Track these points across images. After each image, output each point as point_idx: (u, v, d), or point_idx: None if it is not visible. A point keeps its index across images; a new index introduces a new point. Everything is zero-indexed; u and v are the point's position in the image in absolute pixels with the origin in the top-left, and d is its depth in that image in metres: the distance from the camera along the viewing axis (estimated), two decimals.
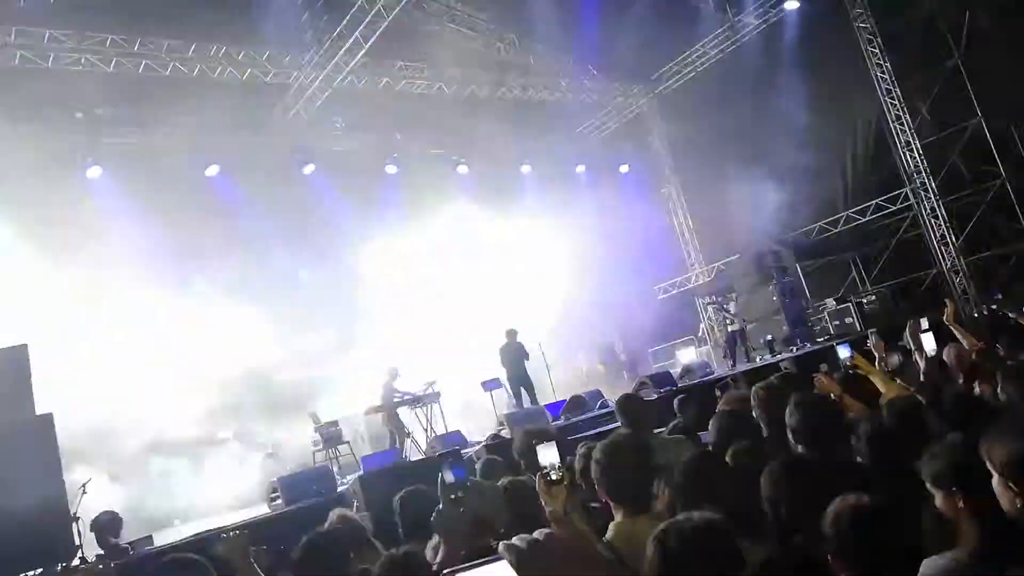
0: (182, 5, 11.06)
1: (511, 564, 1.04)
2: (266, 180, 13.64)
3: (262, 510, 8.15)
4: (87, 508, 7.17)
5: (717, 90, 14.79)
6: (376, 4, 11.53)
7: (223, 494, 11.22)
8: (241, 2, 11.11)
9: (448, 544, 2.24)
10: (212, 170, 12.74)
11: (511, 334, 12.58)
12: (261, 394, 13.34)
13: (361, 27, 11.86)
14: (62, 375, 9.41)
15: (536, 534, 1.08)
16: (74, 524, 6.61)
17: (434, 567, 2.26)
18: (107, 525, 6.91)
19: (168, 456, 11.43)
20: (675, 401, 6.34)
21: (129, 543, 7.02)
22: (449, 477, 2.21)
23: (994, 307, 7.38)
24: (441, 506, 2.24)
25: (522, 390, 12.18)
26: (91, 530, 6.89)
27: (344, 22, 11.83)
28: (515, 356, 12.38)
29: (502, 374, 12.31)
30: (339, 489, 7.82)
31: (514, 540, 1.08)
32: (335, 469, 9.90)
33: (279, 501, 7.63)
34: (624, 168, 17.67)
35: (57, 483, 6.33)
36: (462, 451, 8.82)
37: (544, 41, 13.62)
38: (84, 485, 7.36)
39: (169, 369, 12.29)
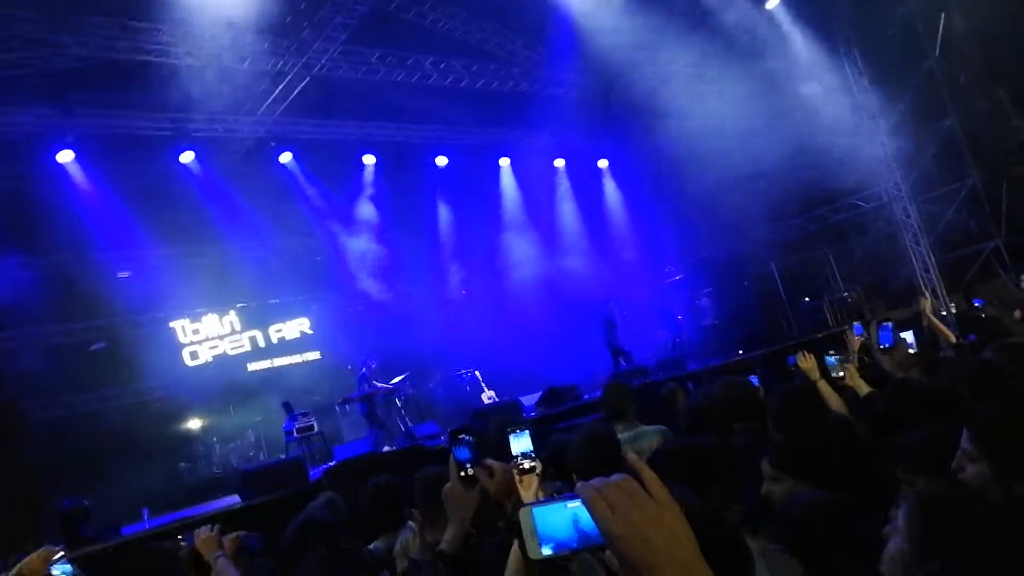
0: None
1: (585, 502, 1.06)
2: (241, 168, 13.52)
3: (233, 501, 8.09)
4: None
5: (694, 85, 14.86)
6: None
7: (193, 483, 11.15)
8: None
9: (458, 522, 2.25)
10: (187, 156, 12.56)
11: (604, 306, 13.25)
12: (233, 382, 13.27)
13: (341, 14, 11.76)
14: None
15: (614, 477, 1.07)
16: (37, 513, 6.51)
17: (442, 546, 2.27)
18: (72, 514, 6.81)
19: None
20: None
21: (97, 534, 6.92)
22: (461, 455, 2.21)
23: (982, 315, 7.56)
24: (451, 483, 2.24)
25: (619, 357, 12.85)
26: (59, 519, 6.79)
27: (323, 9, 11.72)
28: (605, 323, 13.03)
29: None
30: (311, 480, 7.78)
31: (592, 481, 1.08)
32: (308, 460, 9.86)
33: (250, 492, 7.57)
34: (603, 163, 17.72)
35: (23, 473, 6.23)
36: (431, 443, 8.83)
37: (525, 32, 13.58)
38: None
39: None
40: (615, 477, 1.08)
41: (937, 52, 13.40)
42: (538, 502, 1.20)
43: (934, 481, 2.10)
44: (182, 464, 11.93)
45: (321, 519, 3.60)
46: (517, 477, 2.19)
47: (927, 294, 5.66)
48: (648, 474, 1.08)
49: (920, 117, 13.50)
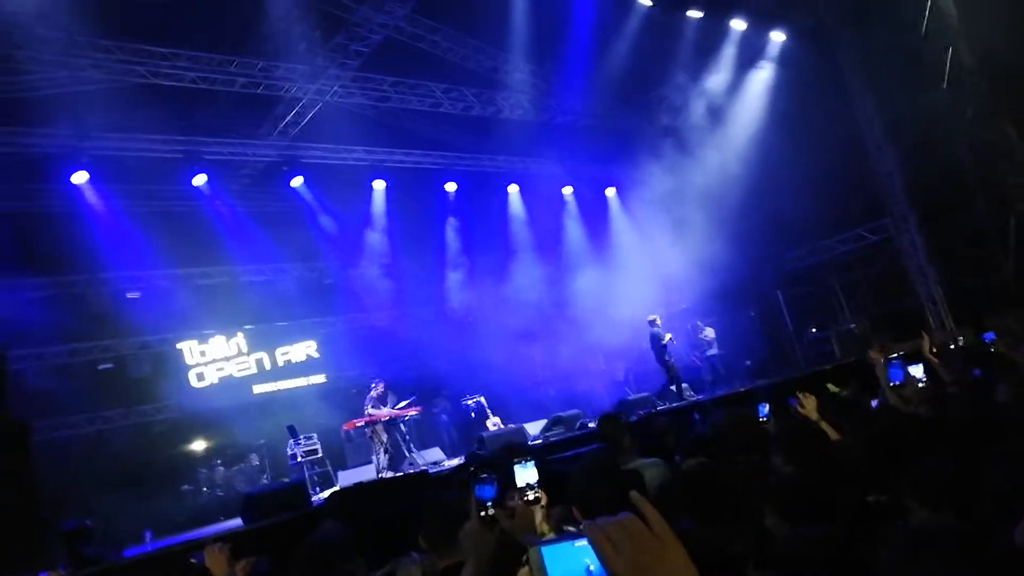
0: (175, 15, 11.09)
1: (590, 542, 1.09)
2: (253, 191, 13.66)
3: (236, 524, 8.06)
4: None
5: (702, 116, 15.00)
6: (371, 21, 11.64)
7: (196, 506, 11.11)
8: (236, 13, 11.15)
9: (476, 562, 2.21)
10: (200, 179, 12.72)
11: (650, 323, 12.62)
12: (238, 404, 13.28)
13: (355, 42, 11.96)
14: None
15: (619, 516, 1.10)
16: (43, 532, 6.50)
17: None
18: (75, 534, 6.80)
19: None
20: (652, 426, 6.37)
21: (99, 554, 6.90)
22: (482, 494, 2.19)
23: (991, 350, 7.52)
24: (471, 523, 2.22)
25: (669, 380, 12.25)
26: (62, 538, 6.78)
27: (338, 37, 11.92)
28: (653, 344, 12.47)
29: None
30: (314, 503, 7.75)
31: (597, 520, 1.11)
32: (312, 484, 9.83)
33: (252, 515, 7.53)
34: (610, 191, 17.81)
35: (26, 491, 6.24)
36: (434, 470, 8.80)
37: (536, 61, 13.76)
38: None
39: None
40: (619, 516, 1.11)
41: (945, 85, 13.47)
42: (547, 541, 1.23)
43: (935, 514, 2.10)
44: (185, 486, 11.91)
45: (334, 544, 3.57)
46: (522, 508, 2.19)
47: (926, 333, 5.64)
48: (650, 512, 1.11)
49: (928, 150, 13.54)
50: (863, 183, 14.38)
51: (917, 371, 4.48)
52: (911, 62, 13.57)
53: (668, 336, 12.31)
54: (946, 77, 13.49)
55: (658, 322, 12.40)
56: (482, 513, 2.18)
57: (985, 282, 13.26)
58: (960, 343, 12.46)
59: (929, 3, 13.42)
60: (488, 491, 2.19)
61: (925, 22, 13.46)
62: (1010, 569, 1.60)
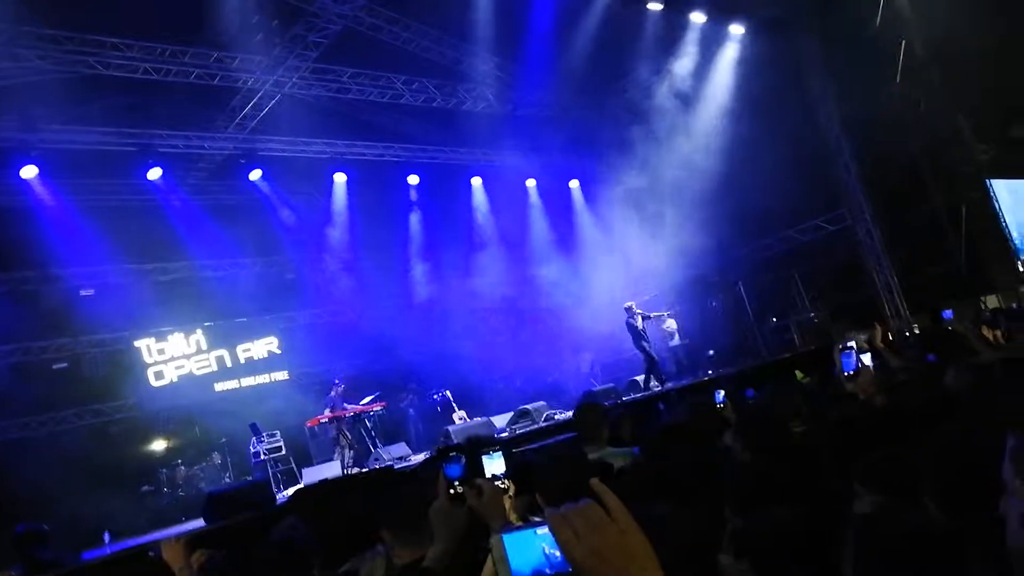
0: (127, 3, 10.80)
1: (551, 529, 1.10)
2: (211, 184, 13.41)
3: (198, 524, 7.92)
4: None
5: (663, 108, 15.11)
6: (329, 11, 11.47)
7: (157, 507, 10.92)
8: (191, 2, 10.89)
9: (445, 539, 2.24)
10: (155, 173, 12.42)
11: (626, 309, 12.57)
12: (199, 403, 13.07)
13: (313, 33, 11.78)
14: None
15: (580, 502, 1.11)
16: None
17: (427, 563, 2.25)
18: (29, 539, 6.60)
19: None
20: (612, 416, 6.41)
21: (56, 558, 6.72)
22: (452, 473, 2.22)
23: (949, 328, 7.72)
24: (439, 500, 2.24)
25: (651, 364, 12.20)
26: (12, 544, 6.58)
27: (296, 27, 11.73)
28: (630, 330, 12.44)
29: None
30: (278, 501, 7.66)
31: (560, 509, 1.11)
32: (276, 481, 9.71)
33: (215, 515, 7.41)
34: (574, 183, 17.86)
35: None
36: (399, 466, 8.76)
37: (498, 54, 13.71)
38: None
39: None
40: (580, 503, 1.11)
41: (898, 78, 13.76)
42: (509, 529, 1.23)
43: (887, 501, 2.15)
44: (145, 487, 11.66)
45: (293, 542, 3.53)
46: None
47: (879, 323, 5.77)
48: (611, 499, 1.11)
49: (883, 141, 13.82)
50: (822, 174, 14.64)
51: (866, 359, 4.59)
52: (867, 55, 13.83)
53: (641, 322, 12.40)
54: (899, 70, 13.79)
55: (634, 308, 12.47)
56: (451, 491, 2.20)
57: (939, 271, 13.61)
58: (915, 330, 12.80)
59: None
60: (456, 469, 2.21)
61: (879, 15, 13.73)
62: (955, 551, 1.63)
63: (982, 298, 12.90)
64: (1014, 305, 11.33)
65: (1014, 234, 13.69)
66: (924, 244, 13.88)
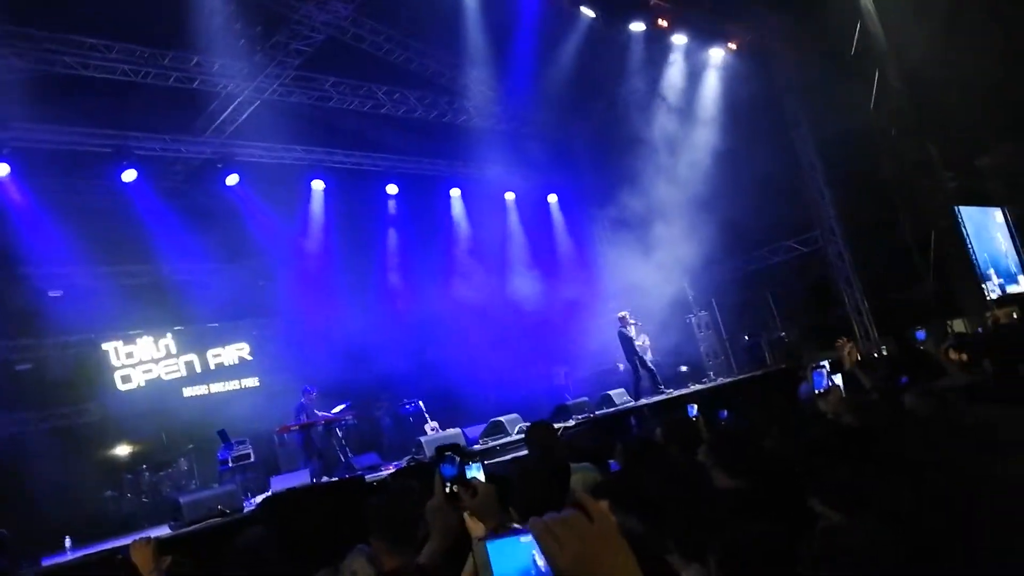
0: (107, 3, 10.70)
1: (535, 537, 1.11)
2: (186, 188, 13.28)
3: (163, 531, 7.80)
4: None
5: (642, 128, 15.31)
6: (313, 20, 11.47)
7: (121, 513, 10.72)
8: (171, 5, 10.82)
9: (440, 536, 2.29)
10: (129, 175, 12.27)
11: (620, 320, 12.57)
12: (167, 408, 12.87)
13: (296, 41, 11.77)
14: None
15: (564, 512, 1.12)
16: None
17: (421, 559, 2.29)
18: None
19: None
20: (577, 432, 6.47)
21: (14, 564, 6.59)
22: (447, 472, 2.24)
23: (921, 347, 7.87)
24: (435, 499, 2.27)
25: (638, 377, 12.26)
26: None
27: (279, 35, 11.70)
28: (622, 341, 12.45)
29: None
30: (245, 510, 7.58)
31: (543, 517, 1.12)
32: (244, 490, 9.58)
33: (180, 522, 7.32)
34: (552, 198, 17.97)
35: None
36: (371, 476, 8.71)
37: (479, 68, 13.79)
38: None
39: None
40: (564, 512, 1.12)
41: (872, 106, 14.08)
42: (492, 536, 1.25)
43: (845, 519, 2.20)
44: (108, 492, 11.44)
45: (261, 549, 3.52)
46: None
47: (849, 342, 5.86)
48: (595, 508, 1.13)
49: (856, 167, 14.11)
50: (796, 196, 14.90)
51: (837, 379, 4.67)
52: (842, 81, 14.14)
53: (635, 333, 12.48)
54: (873, 97, 14.11)
55: (628, 318, 12.53)
56: (446, 490, 2.23)
57: (908, 294, 13.89)
58: (883, 352, 13.03)
59: (858, 24, 14.03)
60: (450, 469, 2.24)
61: (854, 43, 14.06)
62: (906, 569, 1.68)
63: (949, 322, 13.18)
64: (979, 329, 11.57)
65: (980, 260, 14.03)
66: (894, 268, 14.17)
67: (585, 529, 1.10)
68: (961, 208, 14.24)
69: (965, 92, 13.46)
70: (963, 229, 14.03)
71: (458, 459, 2.25)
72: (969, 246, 13.94)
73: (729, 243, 15.05)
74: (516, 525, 2.15)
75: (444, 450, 2.28)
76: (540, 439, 4.78)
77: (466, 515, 2.24)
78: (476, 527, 2.18)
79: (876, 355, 12.66)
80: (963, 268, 13.82)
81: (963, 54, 12.69)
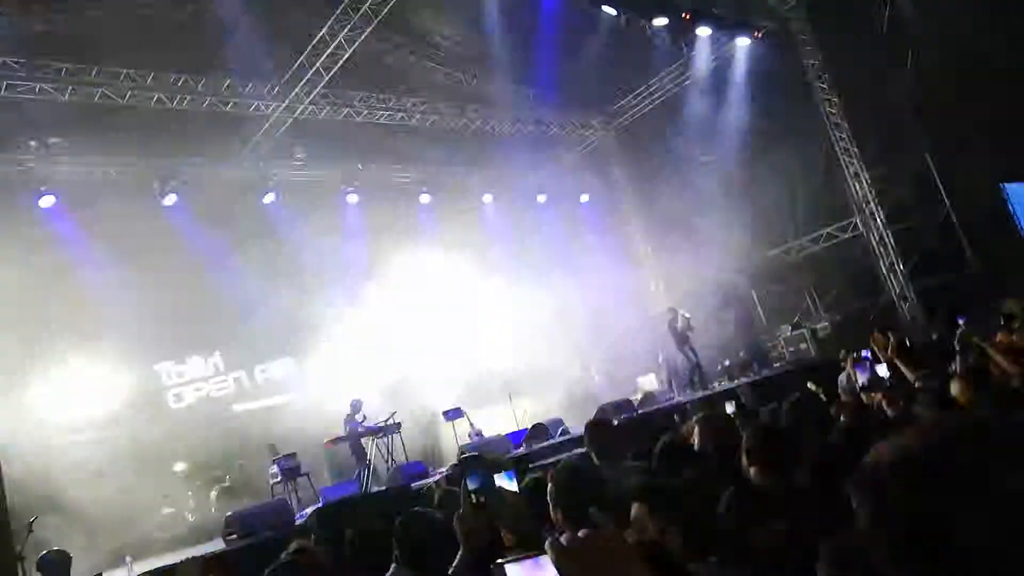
0: (141, 34, 11.04)
1: (552, 559, 1.11)
2: (225, 209, 13.56)
3: (218, 546, 8.00)
4: (38, 546, 6.98)
5: (673, 122, 15.19)
6: (337, 36, 11.65)
7: (178, 529, 10.99)
8: (201, 31, 11.12)
9: (468, 547, 2.31)
10: (170, 199, 12.61)
11: (669, 309, 12.86)
12: (217, 424, 13.14)
13: (323, 58, 11.97)
14: None
15: (580, 532, 1.12)
16: (19, 564, 6.41)
17: (451, 571, 2.33)
18: (53, 565, 6.71)
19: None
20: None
21: None
22: (473, 483, 2.27)
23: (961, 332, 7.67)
24: (462, 510, 2.30)
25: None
26: (37, 570, 6.69)
27: (305, 53, 11.92)
28: (672, 333, 12.65)
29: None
30: (297, 522, 7.72)
31: (560, 536, 1.13)
32: (294, 502, 9.77)
33: (234, 536, 7.49)
34: (585, 198, 17.93)
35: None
36: (417, 484, 8.80)
37: (504, 74, 13.84)
38: (31, 523, 7.16)
39: None
40: (582, 533, 1.13)
41: (907, 83, 13.74)
42: (511, 560, 1.27)
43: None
44: (166, 510, 11.75)
45: (303, 563, 3.58)
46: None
47: (891, 335, 5.71)
48: (610, 529, 1.14)
49: (893, 149, 13.80)
50: (832, 182, 14.62)
51: (881, 370, 4.57)
52: (875, 61, 13.83)
53: (684, 318, 12.50)
54: (908, 75, 13.77)
55: (678, 311, 12.62)
56: (472, 500, 2.25)
57: (953, 278, 13.52)
58: (933, 338, 12.69)
59: (889, 6, 13.71)
60: (476, 480, 2.26)
61: (884, 21, 13.75)
62: None
63: (1000, 301, 12.78)
64: None
65: None
66: (939, 250, 13.80)
67: (603, 550, 1.10)
68: (1007, 185, 13.80)
69: (1006, 64, 13.04)
70: (1010, 206, 13.60)
71: (482, 470, 2.28)
72: (1019, 224, 13.50)
73: (767, 232, 14.85)
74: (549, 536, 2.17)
75: (468, 461, 2.30)
76: (598, 437, 4.74)
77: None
78: (507, 538, 2.21)
79: (925, 343, 12.36)
80: (1012, 247, 13.38)
81: (999, 32, 12.31)
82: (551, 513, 2.95)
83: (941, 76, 13.76)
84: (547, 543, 1.15)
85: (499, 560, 1.33)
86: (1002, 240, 13.40)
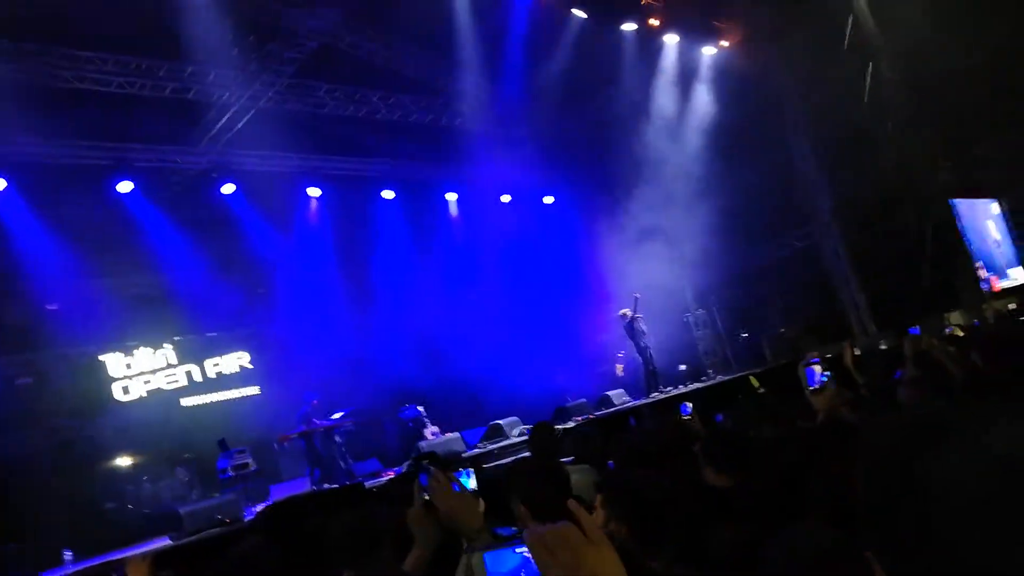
0: (102, 16, 10.71)
1: (529, 548, 1.14)
2: (182, 199, 13.29)
3: (163, 542, 7.81)
4: None
5: (634, 127, 15.34)
6: (306, 28, 11.48)
7: (121, 525, 10.71)
8: (165, 17, 10.84)
9: (421, 546, 2.33)
10: (126, 186, 12.29)
11: (620, 317, 12.61)
12: (166, 418, 12.87)
13: (289, 49, 11.78)
14: None
15: (557, 523, 1.15)
16: None
17: (406, 567, 2.33)
18: None
19: None
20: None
21: None
22: (424, 481, 2.28)
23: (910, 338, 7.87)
24: (415, 507, 2.31)
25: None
26: None
27: (272, 43, 11.71)
28: (628, 335, 12.46)
29: None
30: (246, 518, 7.58)
31: (538, 528, 1.16)
32: (244, 498, 9.58)
33: (181, 532, 7.33)
34: (548, 199, 17.98)
35: None
36: (371, 482, 8.71)
37: (472, 70, 13.79)
38: None
39: None
40: (557, 524, 1.15)
41: (866, 99, 14.09)
42: (489, 547, 1.28)
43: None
44: (109, 504, 11.44)
45: (257, 559, 3.50)
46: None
47: (849, 340, 5.84)
48: (586, 519, 1.16)
49: (852, 160, 14.12)
50: (792, 191, 14.91)
51: (832, 376, 4.64)
52: (836, 75, 14.15)
53: (626, 313, 12.46)
54: (867, 90, 14.12)
55: (627, 313, 12.58)
56: (425, 498, 2.26)
57: (905, 288, 13.89)
58: (882, 347, 13.01)
59: (851, 18, 14.05)
60: (427, 478, 2.27)
61: (847, 37, 14.08)
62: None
63: (945, 315, 13.18)
64: (976, 323, 11.58)
65: (975, 253, 14.03)
66: (891, 261, 14.17)
67: (578, 540, 1.12)
68: (957, 201, 14.23)
69: (959, 83, 13.45)
70: (959, 222, 14.03)
71: (433, 468, 2.28)
72: (966, 239, 13.93)
73: (726, 240, 15.06)
74: (502, 531, 2.16)
75: (421, 459, 2.31)
76: (540, 440, 4.79)
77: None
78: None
79: (874, 351, 12.65)
80: (960, 261, 13.81)
81: (957, 45, 12.68)
82: (514, 508, 2.95)
83: (898, 90, 14.15)
84: (525, 533, 1.16)
85: (477, 549, 1.34)
86: (951, 254, 13.83)
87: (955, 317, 13.16)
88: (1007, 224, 15.18)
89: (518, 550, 1.26)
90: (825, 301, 14.91)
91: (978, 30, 12.83)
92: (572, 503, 1.22)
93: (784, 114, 14.74)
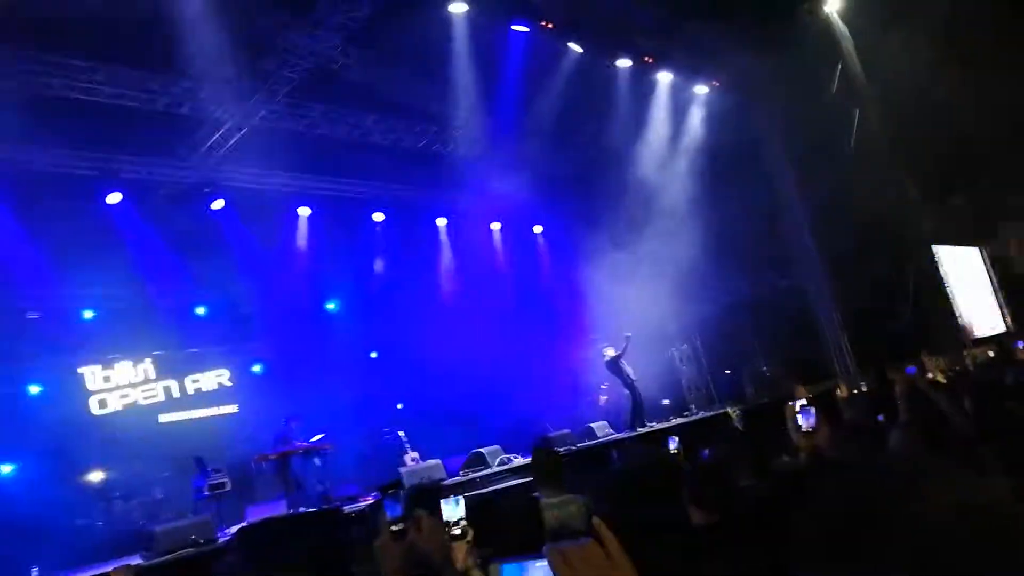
0: (96, 27, 10.71)
1: (549, 564, 1.15)
2: (171, 212, 13.21)
3: (134, 562, 7.64)
4: None
5: (624, 162, 15.50)
6: (302, 49, 11.55)
7: (91, 543, 10.48)
8: (161, 30, 10.86)
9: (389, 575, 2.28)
10: (114, 197, 12.22)
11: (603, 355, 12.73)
12: (142, 434, 12.67)
13: (285, 68, 11.83)
14: None
15: (579, 541, 1.16)
16: None
17: None
18: None
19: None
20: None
21: None
22: (391, 512, 2.22)
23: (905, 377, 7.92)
24: (381, 538, 2.24)
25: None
26: None
27: (267, 62, 11.76)
28: (613, 372, 12.63)
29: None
30: (220, 540, 7.45)
31: (558, 544, 1.17)
32: (218, 519, 9.42)
33: (152, 552, 7.18)
34: (538, 228, 18.07)
35: None
36: (349, 507, 8.61)
37: (467, 98, 13.90)
38: None
39: None
40: (580, 541, 1.16)
41: (852, 144, 14.35)
42: (507, 559, 1.30)
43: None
44: (79, 521, 11.19)
45: None
46: (448, 542, 2.23)
47: (840, 381, 5.88)
48: (608, 538, 1.17)
49: (835, 205, 14.33)
50: (776, 231, 15.09)
51: (815, 417, 4.66)
52: (823, 120, 14.42)
53: (610, 352, 12.53)
54: (853, 136, 14.40)
55: (611, 353, 12.71)
56: (392, 528, 2.22)
57: (886, 331, 14.04)
58: (863, 388, 13.10)
59: (839, 66, 14.35)
60: (396, 508, 2.23)
61: (835, 83, 14.38)
62: None
63: (924, 359, 13.28)
64: (956, 368, 11.68)
65: (956, 300, 14.23)
66: (873, 303, 14.33)
67: (599, 558, 1.13)
68: (938, 247, 14.48)
69: (938, 131, 13.75)
70: (939, 268, 14.25)
71: (403, 495, 2.26)
72: (946, 286, 14.14)
73: (711, 277, 15.18)
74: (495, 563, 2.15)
75: (387, 488, 2.29)
76: (545, 465, 4.71)
77: (454, 546, 2.24)
78: (458, 561, 2.17)
79: (856, 391, 12.73)
80: (940, 308, 14.00)
81: (937, 92, 12.98)
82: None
83: (882, 139, 14.44)
84: (545, 548, 1.18)
85: (495, 560, 1.35)
86: (931, 300, 14.02)
87: (937, 363, 13.28)
88: (988, 272, 15.44)
89: (536, 564, 1.28)
90: (807, 340, 15.03)
91: (958, 82, 13.15)
92: (597, 521, 1.22)
93: (771, 155, 14.98)
